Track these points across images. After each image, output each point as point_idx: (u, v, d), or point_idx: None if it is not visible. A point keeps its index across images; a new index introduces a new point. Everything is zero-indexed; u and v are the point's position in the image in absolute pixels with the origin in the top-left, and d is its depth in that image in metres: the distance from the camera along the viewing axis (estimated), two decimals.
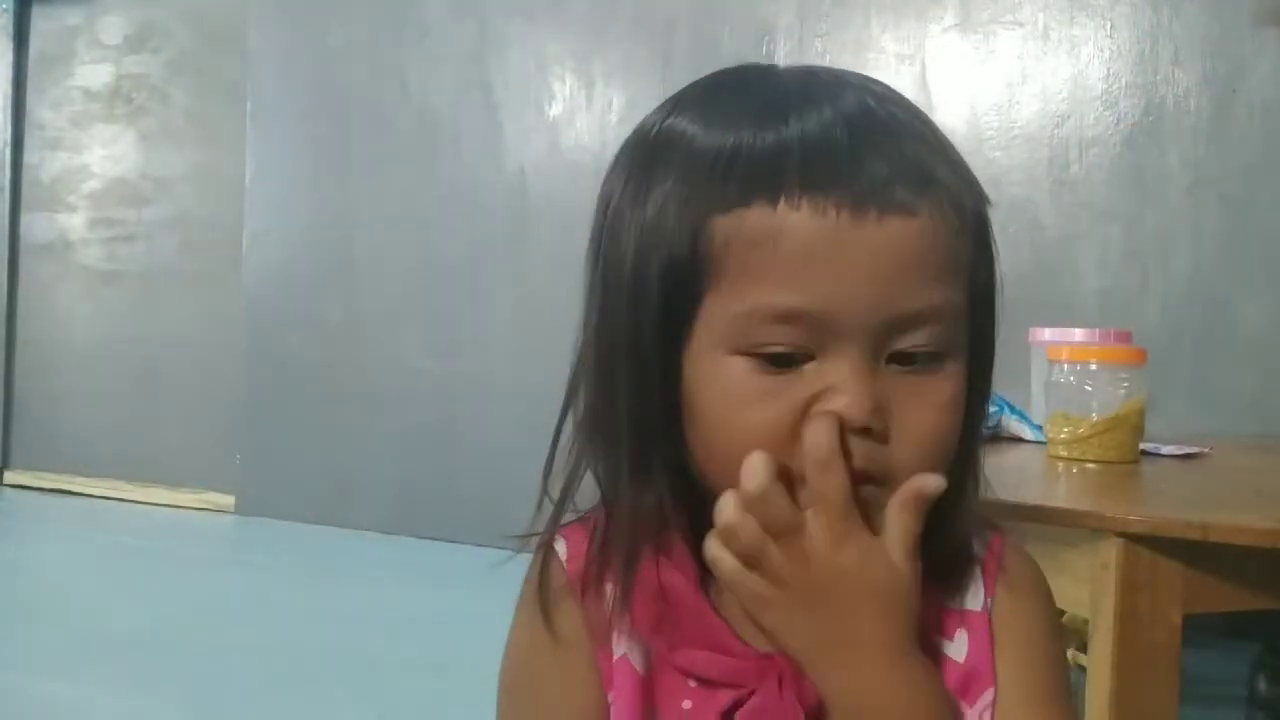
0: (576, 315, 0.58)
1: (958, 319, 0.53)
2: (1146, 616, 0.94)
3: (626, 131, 0.58)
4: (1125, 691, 0.94)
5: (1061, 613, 1.08)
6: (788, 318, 0.50)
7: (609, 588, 0.56)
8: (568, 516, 0.59)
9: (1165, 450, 1.49)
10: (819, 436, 0.50)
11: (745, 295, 0.51)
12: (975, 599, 0.58)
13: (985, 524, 0.60)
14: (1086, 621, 0.99)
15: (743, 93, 0.55)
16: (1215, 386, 2.31)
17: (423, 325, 3.39)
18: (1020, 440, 1.62)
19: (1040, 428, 1.52)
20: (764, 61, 0.58)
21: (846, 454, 0.50)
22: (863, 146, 0.51)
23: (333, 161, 3.59)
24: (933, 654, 0.56)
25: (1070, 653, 1.62)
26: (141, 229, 4.10)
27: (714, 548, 0.52)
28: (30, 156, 4.35)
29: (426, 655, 2.19)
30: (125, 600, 2.63)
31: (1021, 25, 2.54)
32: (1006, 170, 2.51)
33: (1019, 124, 2.53)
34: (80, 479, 4.06)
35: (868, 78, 0.55)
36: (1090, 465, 1.32)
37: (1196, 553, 0.94)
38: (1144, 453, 1.41)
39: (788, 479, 0.51)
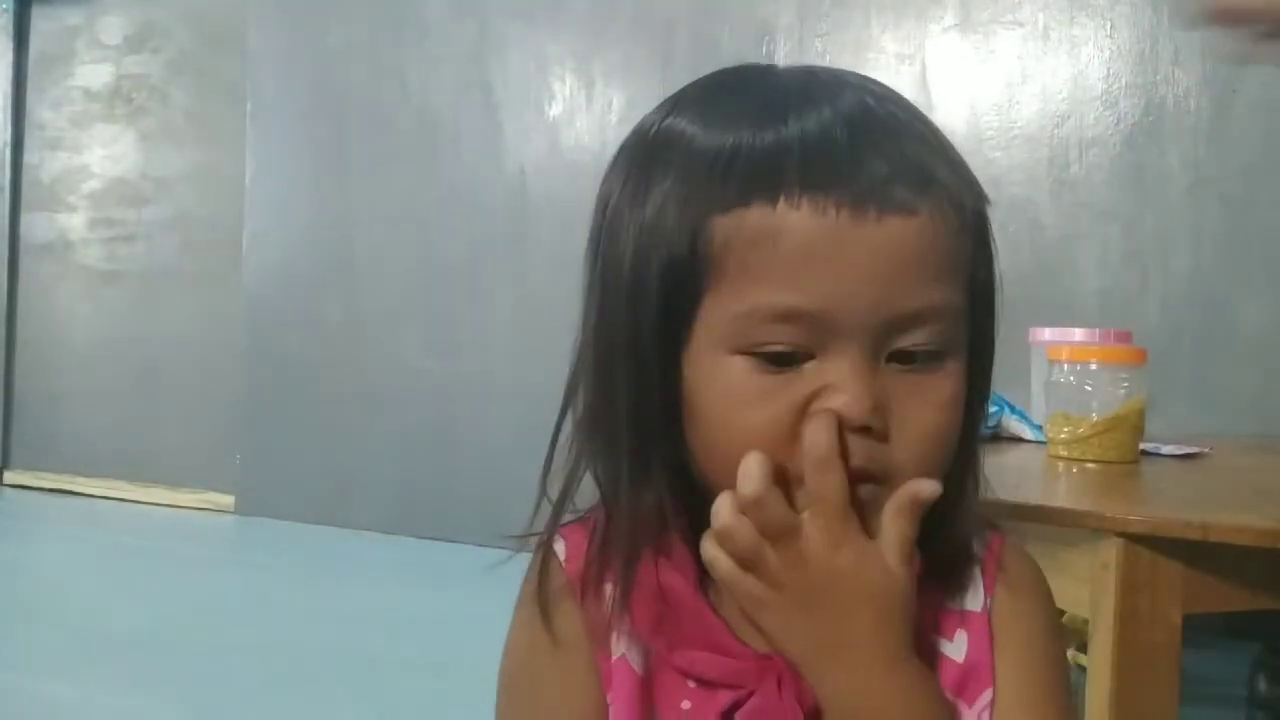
0: (576, 315, 0.58)
1: (957, 318, 0.53)
2: (1146, 616, 0.94)
3: (626, 131, 0.58)
4: (1125, 691, 0.94)
5: (1061, 613, 1.08)
6: (787, 317, 0.50)
7: (608, 588, 0.56)
8: (567, 517, 0.59)
9: (1165, 450, 1.49)
10: (818, 436, 0.50)
11: (745, 295, 0.51)
12: (975, 599, 0.58)
13: (985, 524, 0.60)
14: (1086, 621, 0.98)
15: (742, 93, 0.55)
16: (1215, 386, 2.31)
17: (423, 325, 3.40)
18: (1020, 440, 1.62)
19: (1040, 428, 1.52)
20: (763, 62, 0.58)
21: (846, 453, 0.50)
22: (862, 146, 0.50)
23: (333, 161, 3.59)
24: (931, 654, 0.56)
25: (1070, 653, 1.62)
26: (141, 229, 4.10)
27: (710, 549, 0.52)
28: (30, 156, 4.36)
29: (426, 655, 2.19)
30: (125, 600, 2.63)
31: (1021, 25, 2.54)
32: (1006, 170, 2.51)
33: (1019, 124, 2.53)
34: (80, 479, 4.07)
35: (867, 78, 0.56)
36: (1090, 465, 1.32)
37: (1196, 553, 0.94)
38: (1144, 453, 1.41)
39: (785, 479, 0.51)
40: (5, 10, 4.32)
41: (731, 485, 0.51)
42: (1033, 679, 0.57)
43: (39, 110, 4.34)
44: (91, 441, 4.09)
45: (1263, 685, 1.62)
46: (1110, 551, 0.94)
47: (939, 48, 2.63)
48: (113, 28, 4.18)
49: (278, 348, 3.67)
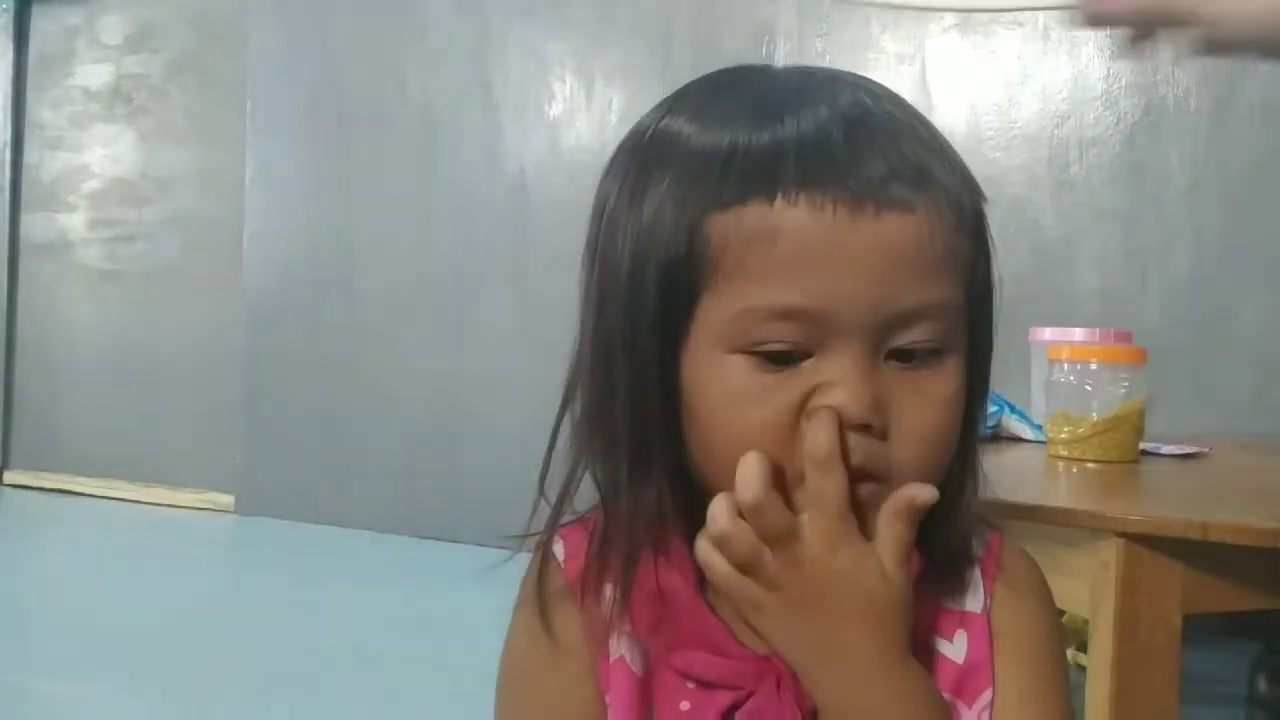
0: (576, 315, 0.58)
1: (956, 316, 0.53)
2: (1146, 616, 0.94)
3: (626, 131, 0.58)
4: (1125, 691, 0.94)
5: (1062, 613, 1.08)
6: (786, 315, 0.50)
7: (607, 589, 0.56)
8: (566, 517, 0.59)
9: (1165, 450, 1.49)
10: (819, 435, 0.50)
11: (743, 294, 0.51)
12: (974, 599, 0.58)
13: (984, 523, 0.60)
14: (1086, 621, 0.98)
15: (738, 93, 0.55)
16: (1215, 386, 2.31)
17: (423, 325, 3.40)
18: (1020, 440, 1.62)
19: (1040, 427, 1.52)
20: (760, 63, 0.58)
21: (845, 451, 0.50)
22: (859, 144, 0.50)
23: (333, 161, 3.59)
24: (930, 654, 0.56)
25: (1070, 652, 1.62)
26: (142, 229, 4.10)
27: (706, 551, 0.52)
28: (30, 156, 4.36)
29: (426, 655, 2.20)
30: (125, 600, 2.63)
31: (1021, 25, 2.54)
32: (1006, 170, 2.51)
33: (1019, 124, 2.53)
34: (80, 479, 4.07)
35: (863, 78, 0.55)
36: (1090, 465, 1.32)
37: (1196, 552, 0.94)
38: (1144, 452, 1.41)
39: (783, 479, 0.51)
40: (5, 10, 4.32)
41: (730, 485, 0.51)
42: (1032, 679, 0.57)
43: (39, 110, 4.35)
44: (91, 441, 4.09)
45: (1263, 685, 1.62)
46: (1110, 551, 0.94)
47: (939, 48, 2.63)
48: (113, 27, 4.18)
49: (278, 347, 3.67)
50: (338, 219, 3.56)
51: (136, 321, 4.08)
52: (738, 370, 0.51)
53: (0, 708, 1.92)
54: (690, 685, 0.56)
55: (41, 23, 4.34)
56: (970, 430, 0.56)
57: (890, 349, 0.52)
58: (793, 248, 0.50)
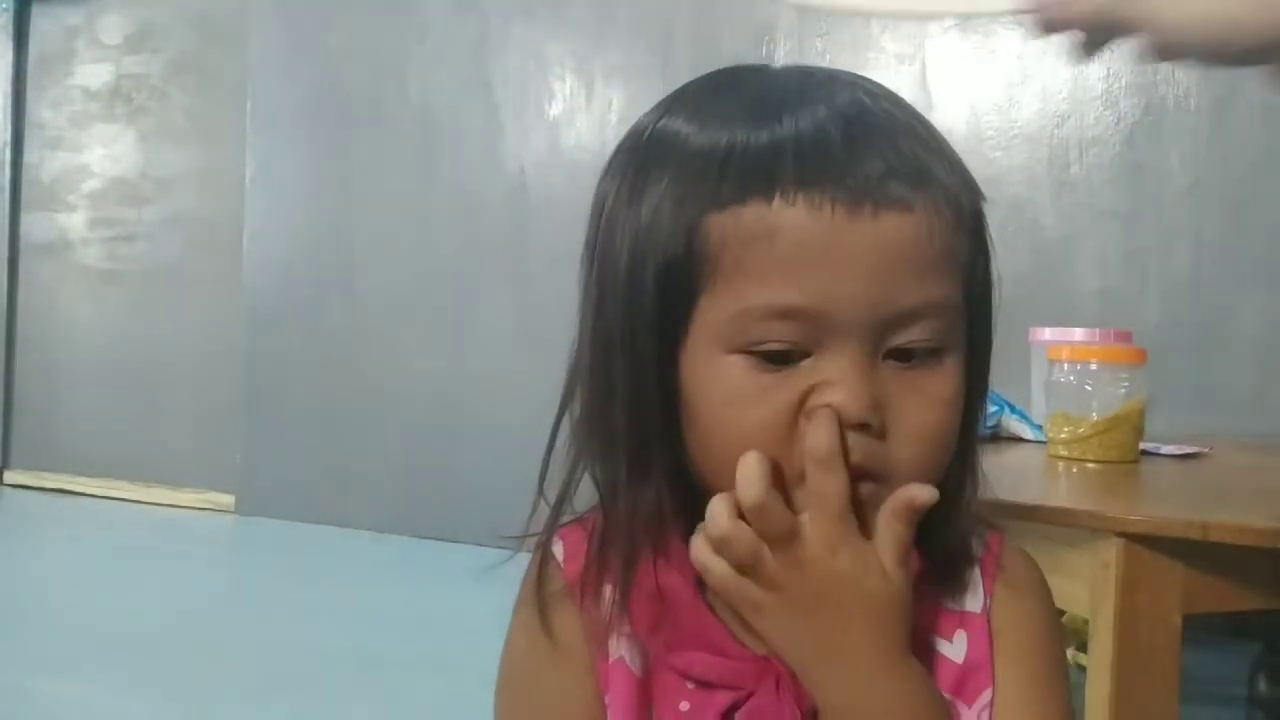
0: (576, 315, 0.58)
1: (955, 315, 0.53)
2: (1146, 616, 0.94)
3: (626, 131, 0.58)
4: (1125, 691, 0.94)
5: (1062, 613, 1.08)
6: (784, 315, 0.50)
7: (607, 589, 0.56)
8: (565, 518, 0.59)
9: (1165, 450, 1.49)
10: (819, 435, 0.49)
11: (741, 293, 0.50)
12: (974, 599, 0.58)
13: (984, 523, 0.60)
14: (1086, 621, 0.98)
15: (736, 92, 0.55)
16: (1215, 386, 2.31)
17: (423, 325, 3.40)
18: (1020, 440, 1.62)
19: (1040, 427, 1.52)
20: (758, 62, 0.58)
21: (844, 450, 0.50)
22: (857, 143, 0.50)
23: (333, 161, 3.59)
24: (930, 654, 0.56)
25: (1070, 652, 1.62)
26: (142, 229, 4.10)
27: (703, 555, 0.52)
28: (30, 156, 4.36)
29: (426, 655, 2.20)
30: (125, 600, 2.63)
31: (1022, 25, 2.53)
32: (1006, 170, 2.51)
33: (1019, 124, 2.53)
34: (80, 479, 4.07)
35: (862, 77, 0.55)
36: (1090, 465, 1.32)
37: (1196, 552, 0.94)
38: (1144, 452, 1.41)
39: (781, 479, 0.51)
40: (5, 10, 4.32)
41: (730, 485, 0.51)
42: (1032, 679, 0.57)
43: (39, 110, 4.34)
44: (91, 441, 4.09)
45: (1263, 685, 1.62)
46: (1110, 551, 0.94)
47: (939, 48, 2.63)
48: (113, 27, 4.18)
49: (278, 347, 3.67)
50: (338, 219, 3.56)
51: (136, 321, 4.08)
52: (736, 370, 0.51)
53: (0, 708, 1.92)
54: (690, 685, 0.55)
55: (41, 22, 4.34)
56: (970, 430, 0.56)
57: (889, 348, 0.51)
58: (791, 247, 0.50)
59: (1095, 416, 1.33)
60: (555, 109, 3.21)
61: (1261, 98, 2.30)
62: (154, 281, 4.06)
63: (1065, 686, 0.58)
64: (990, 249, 0.56)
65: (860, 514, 0.51)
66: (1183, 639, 0.95)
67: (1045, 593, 0.60)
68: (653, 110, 0.57)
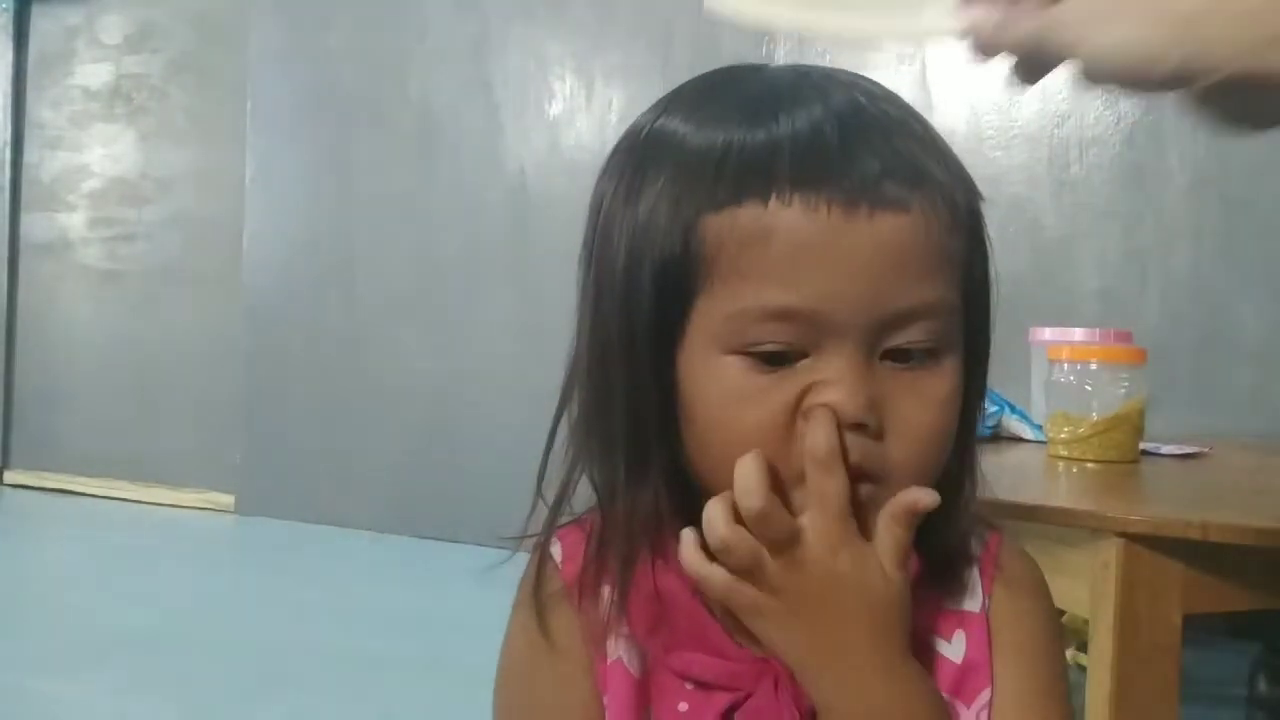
0: (574, 315, 0.58)
1: (952, 315, 0.53)
2: (1146, 616, 0.94)
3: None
4: (1125, 691, 0.94)
5: (1061, 613, 1.08)
6: (781, 316, 0.50)
7: (605, 590, 0.56)
8: (563, 519, 0.59)
9: (1165, 450, 1.49)
10: (818, 435, 0.49)
11: (738, 294, 0.50)
12: (973, 599, 0.58)
13: (983, 523, 0.60)
14: (1087, 621, 0.98)
15: (733, 92, 0.54)
16: (1215, 386, 2.31)
17: (422, 325, 3.40)
18: (1020, 440, 1.62)
19: (1040, 427, 1.52)
20: (756, 62, 0.58)
21: (843, 452, 0.50)
22: (854, 143, 0.50)
23: (333, 161, 3.59)
24: (929, 655, 0.56)
25: (1071, 652, 1.62)
26: (141, 228, 4.10)
27: (698, 564, 0.51)
28: (30, 156, 4.36)
29: (426, 655, 2.20)
30: (125, 600, 2.63)
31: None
32: (1006, 170, 2.51)
33: (1019, 124, 2.53)
34: (80, 479, 4.06)
35: (859, 76, 0.55)
36: (1090, 465, 1.32)
37: (1197, 553, 0.94)
38: (1144, 452, 1.41)
39: (779, 480, 0.51)
40: (5, 10, 4.32)
41: (728, 486, 0.51)
42: (1031, 679, 0.57)
43: (39, 109, 4.34)
44: (91, 441, 4.09)
45: (1263, 685, 1.62)
46: (1110, 551, 0.94)
47: (939, 48, 2.63)
48: (113, 27, 4.18)
49: (278, 347, 3.67)
50: (338, 218, 3.56)
51: (137, 321, 4.08)
52: (733, 371, 0.51)
53: (0, 708, 1.92)
54: (688, 686, 0.55)
55: (41, 22, 4.34)
56: (968, 430, 0.56)
57: (886, 349, 0.51)
58: (787, 248, 0.49)
59: (1095, 416, 1.33)
60: (555, 109, 3.21)
61: None
62: (154, 281, 4.06)
63: (1065, 686, 0.58)
64: (988, 248, 0.56)
65: (859, 515, 0.51)
66: (1183, 639, 0.95)
67: (1044, 592, 0.60)
68: (650, 110, 0.57)
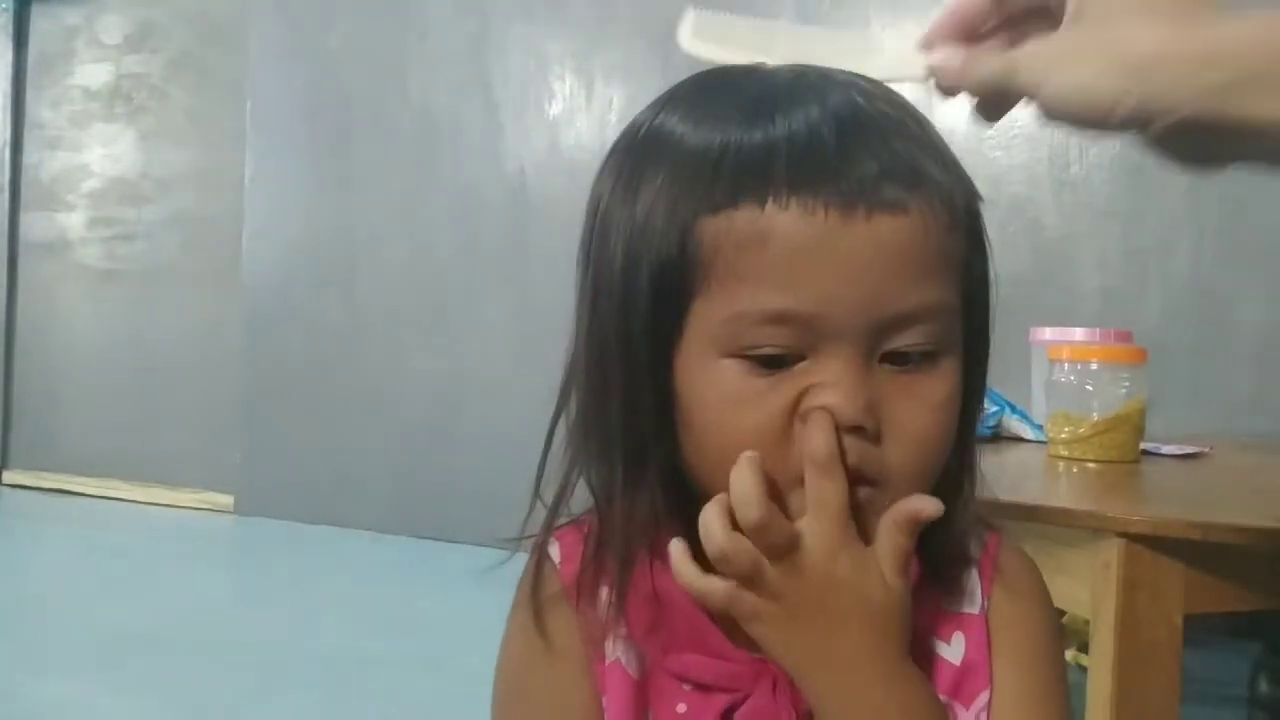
0: (573, 316, 0.58)
1: (951, 317, 0.52)
2: (1147, 616, 0.94)
3: None
4: (1126, 691, 0.94)
5: (1062, 613, 1.08)
6: (778, 319, 0.50)
7: (603, 592, 0.56)
8: (562, 519, 0.58)
9: (1166, 450, 1.49)
10: (816, 438, 0.49)
11: (735, 298, 0.50)
12: (972, 601, 0.57)
13: (982, 524, 0.59)
14: (1087, 622, 0.98)
15: (731, 92, 0.54)
16: (1215, 386, 2.31)
17: (422, 325, 3.40)
18: (1021, 440, 1.62)
19: (1041, 427, 1.52)
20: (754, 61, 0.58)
21: (841, 455, 0.50)
22: (850, 144, 0.50)
23: (333, 161, 3.59)
24: (928, 657, 0.56)
25: (1071, 653, 1.62)
26: (141, 228, 4.10)
27: (694, 579, 0.51)
28: (30, 156, 4.36)
29: (426, 655, 2.20)
30: (124, 600, 2.63)
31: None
32: (1006, 170, 2.51)
33: (1019, 123, 2.53)
34: (80, 479, 4.07)
35: (857, 75, 0.55)
36: (1091, 465, 1.32)
37: (1197, 553, 0.94)
38: (1144, 452, 1.41)
39: (775, 485, 0.50)
40: (5, 10, 4.32)
41: (725, 488, 0.50)
42: (1030, 681, 0.57)
43: (38, 109, 4.35)
44: (91, 441, 4.09)
45: (1264, 685, 1.62)
46: (1111, 551, 0.94)
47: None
48: (112, 27, 4.18)
49: (277, 347, 3.67)
50: (337, 218, 3.56)
51: (136, 321, 4.08)
52: (730, 374, 0.51)
53: (0, 708, 1.92)
54: (686, 688, 0.55)
55: (41, 22, 4.34)
56: (968, 431, 0.56)
57: (884, 352, 0.51)
58: (784, 252, 0.49)
59: (1096, 416, 1.33)
60: (555, 109, 3.21)
61: None
62: (153, 281, 4.06)
63: (1064, 688, 0.58)
64: (988, 249, 0.55)
65: (857, 518, 0.51)
66: (1183, 639, 0.95)
67: (1043, 594, 0.60)
68: (649, 108, 0.56)
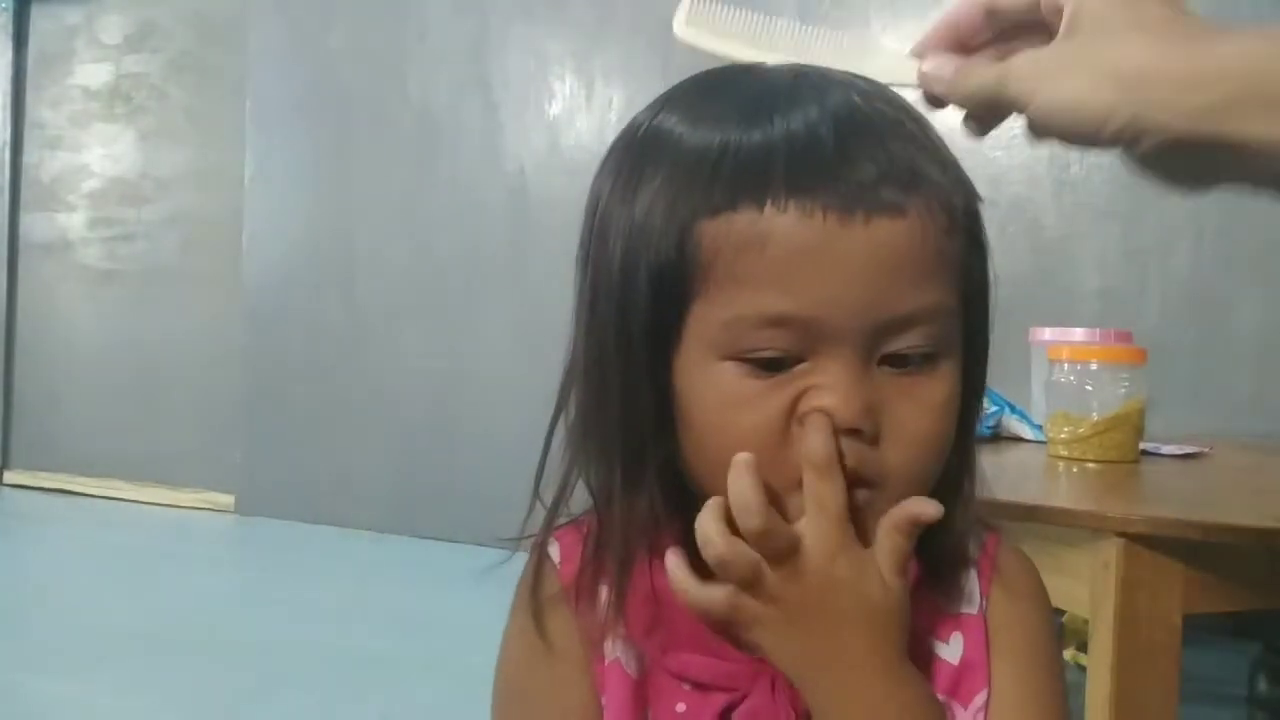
0: (572, 316, 0.58)
1: (950, 319, 0.52)
2: (1146, 616, 0.94)
3: None
4: (1125, 691, 0.94)
5: (1061, 613, 1.08)
6: (777, 323, 0.50)
7: (602, 592, 0.56)
8: (561, 519, 0.58)
9: (1165, 450, 1.49)
10: (814, 440, 0.49)
11: (733, 301, 0.50)
12: (970, 601, 0.58)
13: (980, 525, 0.59)
14: (1087, 621, 0.98)
15: (731, 91, 0.54)
16: (1215, 386, 2.31)
17: (422, 324, 3.40)
18: (1020, 440, 1.62)
19: (1040, 427, 1.52)
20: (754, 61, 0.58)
21: (839, 457, 0.50)
22: (849, 146, 0.50)
23: (333, 161, 3.59)
24: (926, 657, 0.56)
25: (1071, 652, 1.62)
26: (141, 228, 4.11)
27: (694, 591, 0.51)
28: (30, 156, 4.36)
29: (426, 655, 2.20)
30: (125, 600, 2.63)
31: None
32: (1006, 170, 2.51)
33: (1019, 123, 2.52)
34: (80, 479, 4.07)
35: (856, 75, 0.55)
36: (1090, 465, 1.32)
37: (1196, 552, 0.94)
38: (1144, 452, 1.41)
39: (771, 488, 0.50)
40: (5, 9, 4.32)
41: (723, 490, 0.50)
42: (1028, 681, 0.57)
43: (38, 109, 4.35)
44: (91, 441, 4.10)
45: (1263, 685, 1.63)
46: (1110, 551, 0.94)
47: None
48: (112, 27, 4.18)
49: (277, 347, 3.67)
50: (337, 218, 3.56)
51: (136, 321, 4.09)
52: (729, 376, 0.51)
53: (0, 707, 1.92)
54: (686, 687, 0.55)
55: (41, 22, 4.34)
56: (967, 432, 0.56)
57: (884, 354, 0.51)
58: (782, 255, 0.49)
59: (1095, 416, 1.33)
60: (555, 109, 3.21)
61: None
62: (154, 281, 4.07)
63: (1061, 688, 0.58)
64: (987, 250, 0.55)
65: (855, 520, 0.51)
66: (1183, 638, 0.95)
67: (1041, 595, 0.60)
68: (649, 107, 0.56)
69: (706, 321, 0.51)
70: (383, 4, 3.49)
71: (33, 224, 4.34)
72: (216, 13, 3.91)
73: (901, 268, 0.50)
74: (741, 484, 0.49)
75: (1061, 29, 0.55)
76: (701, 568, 0.51)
